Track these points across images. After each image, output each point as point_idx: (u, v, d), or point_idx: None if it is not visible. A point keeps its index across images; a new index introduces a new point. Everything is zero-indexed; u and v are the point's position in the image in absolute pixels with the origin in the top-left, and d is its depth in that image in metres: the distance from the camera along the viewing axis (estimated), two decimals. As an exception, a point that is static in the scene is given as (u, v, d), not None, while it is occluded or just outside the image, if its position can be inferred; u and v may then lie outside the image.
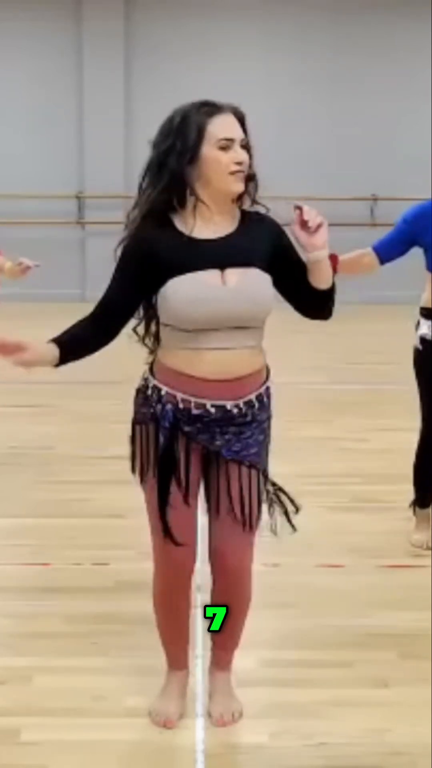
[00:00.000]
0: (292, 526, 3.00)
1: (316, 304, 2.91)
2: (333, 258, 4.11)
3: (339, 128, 11.70)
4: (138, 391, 2.91)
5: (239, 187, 2.74)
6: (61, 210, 11.79)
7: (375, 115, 11.68)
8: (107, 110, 11.59)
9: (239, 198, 2.81)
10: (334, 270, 4.11)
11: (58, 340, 2.78)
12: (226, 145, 2.70)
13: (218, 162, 2.70)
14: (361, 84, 11.68)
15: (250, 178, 2.78)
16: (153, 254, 2.74)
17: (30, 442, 5.96)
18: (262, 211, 2.87)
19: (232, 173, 2.71)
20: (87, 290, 10.74)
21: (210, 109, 2.71)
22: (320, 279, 2.84)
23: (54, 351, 2.76)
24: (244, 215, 2.84)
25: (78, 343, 2.82)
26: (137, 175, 2.80)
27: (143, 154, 2.80)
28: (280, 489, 3.01)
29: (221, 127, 2.70)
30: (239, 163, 2.71)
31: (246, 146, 2.74)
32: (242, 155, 2.71)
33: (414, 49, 11.51)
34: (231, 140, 2.70)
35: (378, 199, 11.71)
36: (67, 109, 11.74)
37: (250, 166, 2.77)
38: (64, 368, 2.84)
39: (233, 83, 11.05)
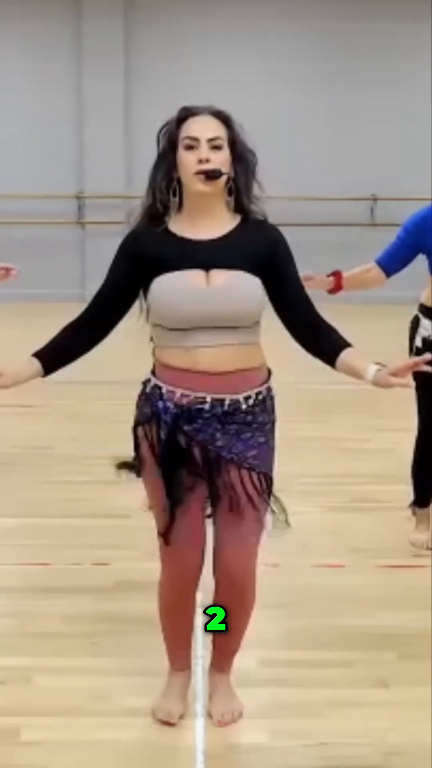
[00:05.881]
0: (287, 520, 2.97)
1: (308, 345, 2.86)
2: (337, 275, 4.11)
3: (339, 129, 11.69)
4: (140, 393, 2.91)
5: (202, 187, 2.73)
6: (61, 210, 11.78)
7: (374, 116, 11.67)
8: (107, 110, 11.57)
9: (237, 200, 2.79)
10: (340, 287, 4.12)
11: (39, 353, 2.84)
12: (190, 145, 2.73)
13: (182, 163, 2.74)
14: (361, 85, 11.67)
15: (230, 178, 2.76)
16: (141, 251, 2.79)
17: (30, 442, 5.95)
18: (259, 215, 2.83)
19: (196, 173, 2.72)
20: (87, 290, 10.69)
21: (184, 113, 2.77)
22: (348, 374, 2.80)
23: (33, 366, 2.83)
24: (246, 219, 2.83)
25: (62, 351, 2.87)
26: (137, 175, 2.82)
27: (143, 154, 2.82)
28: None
29: (187, 127, 2.74)
30: (202, 162, 2.70)
31: (220, 146, 2.72)
32: (204, 153, 2.71)
33: (414, 49, 11.50)
34: (195, 139, 2.72)
35: (378, 199, 11.71)
36: (67, 109, 11.73)
37: (241, 167, 2.75)
38: (64, 368, 2.85)
39: (233, 83, 11.09)
